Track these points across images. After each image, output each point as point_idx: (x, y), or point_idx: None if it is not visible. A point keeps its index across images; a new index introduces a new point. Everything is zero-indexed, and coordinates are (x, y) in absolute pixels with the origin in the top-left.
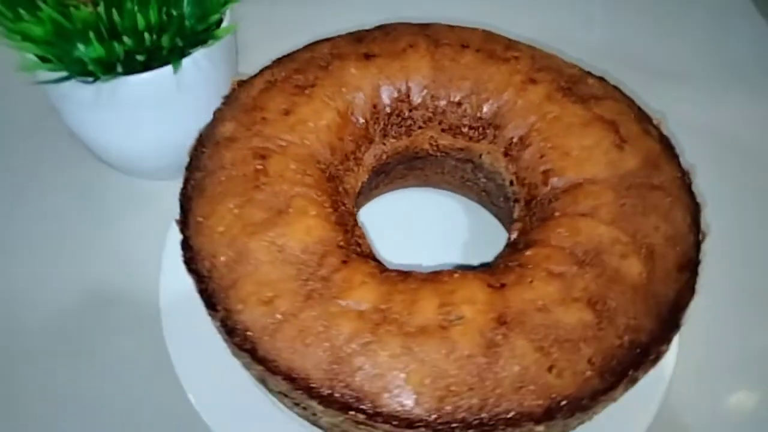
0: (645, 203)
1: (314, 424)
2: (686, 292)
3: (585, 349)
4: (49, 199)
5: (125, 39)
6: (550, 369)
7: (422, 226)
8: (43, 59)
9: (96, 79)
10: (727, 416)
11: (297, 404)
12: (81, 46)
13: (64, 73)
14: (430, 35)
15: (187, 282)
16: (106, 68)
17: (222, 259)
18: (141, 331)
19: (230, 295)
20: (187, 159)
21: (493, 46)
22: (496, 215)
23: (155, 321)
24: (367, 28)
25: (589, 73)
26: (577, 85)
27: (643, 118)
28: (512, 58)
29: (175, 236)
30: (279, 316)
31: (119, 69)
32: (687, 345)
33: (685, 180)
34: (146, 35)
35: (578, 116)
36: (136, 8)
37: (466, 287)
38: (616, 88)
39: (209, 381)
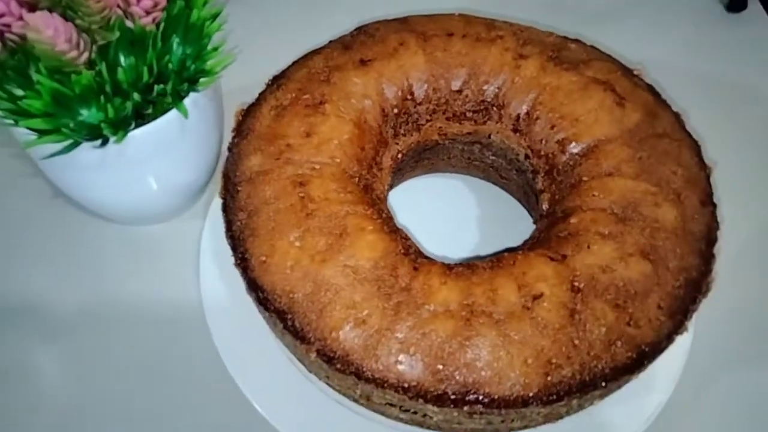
0: (658, 152)
1: (422, 426)
2: (713, 223)
3: (652, 297)
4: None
5: (135, 95)
6: (629, 322)
7: (439, 212)
8: (41, 132)
9: (105, 140)
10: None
11: (406, 411)
12: (83, 111)
13: (68, 142)
14: (414, 30)
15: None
16: (117, 127)
17: (300, 294)
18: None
19: (320, 325)
20: (219, 200)
21: (476, 29)
22: (503, 187)
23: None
24: (344, 33)
25: (566, 38)
26: (562, 52)
27: (628, 72)
28: (497, 37)
29: (208, 260)
30: (376, 334)
31: (131, 125)
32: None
33: (680, 123)
34: (155, 87)
35: (575, 82)
36: (136, 63)
37: (533, 266)
38: (594, 48)
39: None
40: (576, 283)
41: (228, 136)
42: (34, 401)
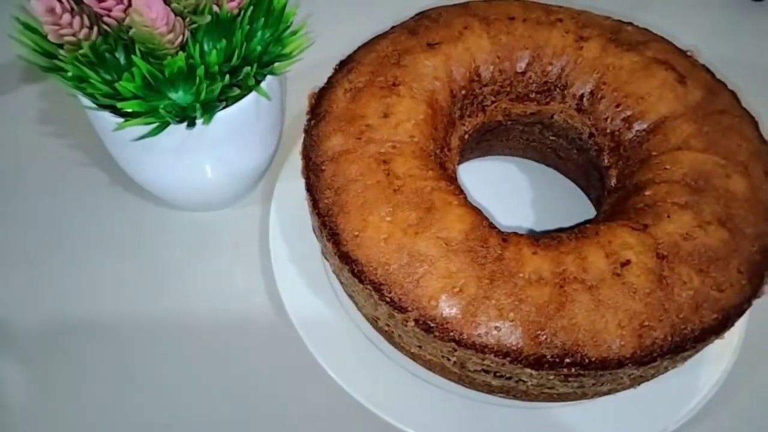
0: (722, 127)
1: (509, 393)
2: None
3: (732, 263)
4: (114, 247)
5: (225, 78)
6: (713, 286)
7: (496, 193)
8: (129, 115)
9: (192, 122)
10: None
11: (500, 376)
12: (171, 94)
13: (156, 124)
14: (476, 14)
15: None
16: (206, 109)
17: (395, 265)
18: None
19: (418, 295)
20: (302, 181)
21: (536, 13)
22: (558, 168)
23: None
24: (404, 20)
25: (621, 21)
26: (620, 34)
27: (683, 53)
28: (557, 21)
29: (280, 246)
30: (474, 302)
31: (218, 107)
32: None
33: (737, 100)
34: (241, 70)
35: (636, 62)
36: (226, 46)
37: (618, 236)
38: (648, 30)
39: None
40: (660, 251)
41: (287, 121)
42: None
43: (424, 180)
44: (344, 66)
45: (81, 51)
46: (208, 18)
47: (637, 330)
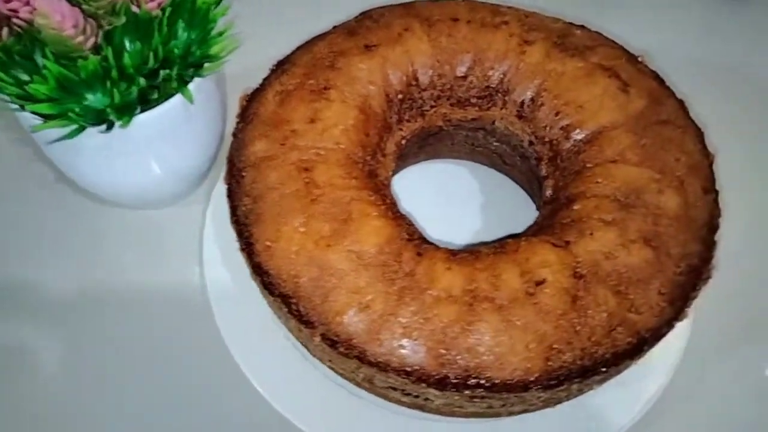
0: (662, 139)
1: (423, 409)
2: (715, 210)
3: (653, 284)
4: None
5: (140, 80)
6: (630, 308)
7: (443, 198)
8: (47, 116)
9: (110, 125)
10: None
11: (408, 394)
12: (89, 96)
13: (73, 127)
14: (419, 15)
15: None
16: (123, 112)
17: (305, 278)
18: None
19: (325, 309)
20: (222, 185)
21: (481, 14)
22: (507, 174)
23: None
24: (348, 18)
25: (572, 24)
26: (567, 38)
27: (632, 58)
28: (502, 23)
29: (211, 245)
30: (379, 319)
31: (136, 110)
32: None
33: (684, 109)
34: (161, 72)
35: (580, 69)
36: (141, 48)
37: (537, 252)
38: (599, 34)
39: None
40: (578, 270)
41: (231, 121)
42: (31, 387)
43: (345, 189)
44: (279, 67)
45: None
46: (123, 19)
47: (545, 352)
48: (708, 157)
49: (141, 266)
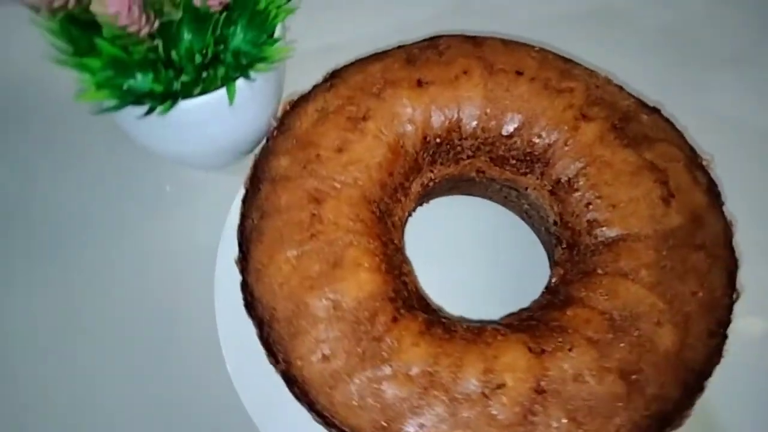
0: (685, 266)
1: None
2: (714, 356)
3: (615, 420)
4: (104, 190)
5: (185, 75)
6: None
7: (463, 234)
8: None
9: (151, 110)
10: None
11: None
12: (139, 76)
13: (116, 101)
14: (484, 57)
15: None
16: (163, 99)
17: (281, 312)
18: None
19: (290, 348)
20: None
21: (548, 74)
22: (536, 233)
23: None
24: (415, 40)
25: (645, 105)
26: (630, 123)
27: (693, 162)
28: (567, 89)
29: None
30: (336, 375)
31: (178, 99)
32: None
33: (727, 234)
34: (209, 69)
35: (628, 163)
36: (192, 43)
37: (508, 352)
38: (668, 122)
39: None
40: (542, 384)
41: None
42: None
43: (347, 232)
44: (330, 80)
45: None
46: (181, 14)
47: None
48: (730, 297)
49: (164, 219)
